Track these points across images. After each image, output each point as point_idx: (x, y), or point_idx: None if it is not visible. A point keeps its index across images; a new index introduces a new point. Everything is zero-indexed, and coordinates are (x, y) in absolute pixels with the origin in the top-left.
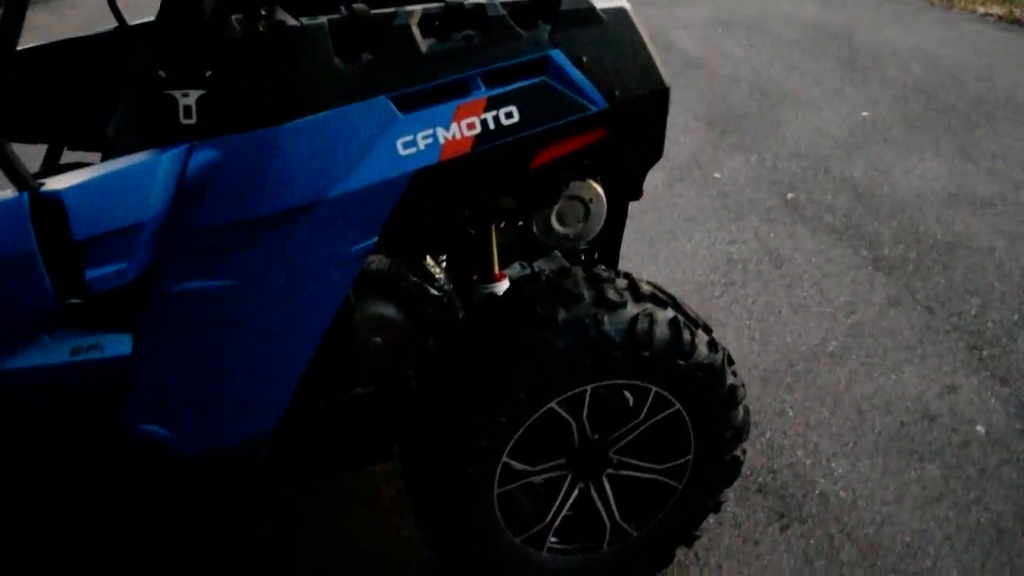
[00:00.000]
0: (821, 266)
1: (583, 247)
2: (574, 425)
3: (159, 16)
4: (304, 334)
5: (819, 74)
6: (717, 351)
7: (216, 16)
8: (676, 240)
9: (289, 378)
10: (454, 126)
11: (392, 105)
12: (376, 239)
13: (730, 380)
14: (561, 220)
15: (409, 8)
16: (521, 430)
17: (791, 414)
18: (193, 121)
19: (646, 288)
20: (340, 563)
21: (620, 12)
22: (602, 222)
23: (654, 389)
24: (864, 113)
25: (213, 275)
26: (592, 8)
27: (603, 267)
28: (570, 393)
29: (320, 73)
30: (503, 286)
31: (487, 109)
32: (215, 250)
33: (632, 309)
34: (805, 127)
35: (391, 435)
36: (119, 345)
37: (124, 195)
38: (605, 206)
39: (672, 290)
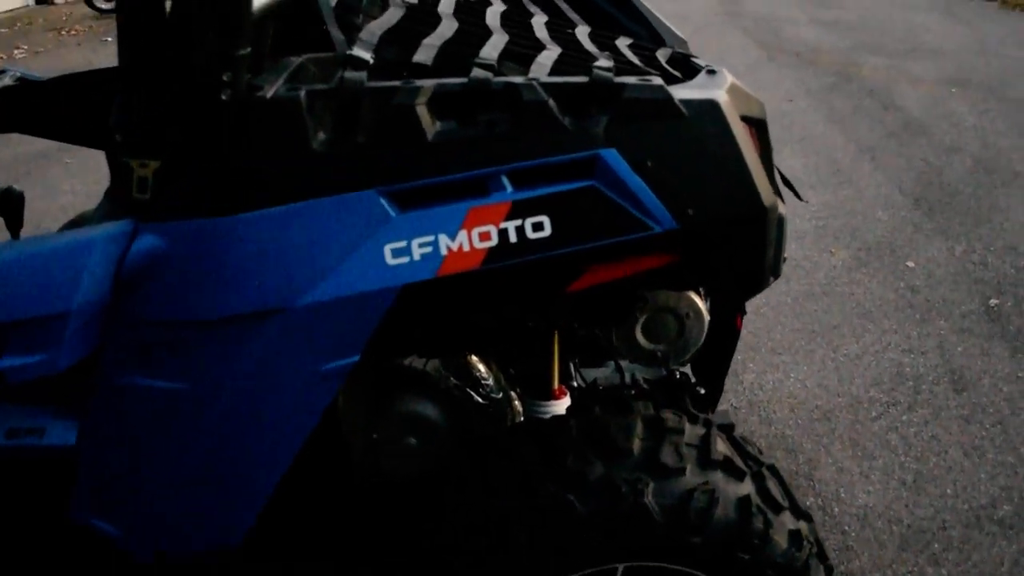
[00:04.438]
0: (1014, 400)
1: (677, 367)
2: None
3: (120, 64)
4: (269, 453)
5: None
6: (802, 547)
7: (180, 75)
8: (842, 339)
9: (255, 495)
10: (462, 234)
11: (384, 202)
12: (357, 358)
13: None
14: (648, 334)
15: (419, 83)
16: None
17: None
18: (146, 197)
19: (721, 450)
20: None
21: (709, 106)
22: (700, 341)
23: None
24: None
25: (160, 374)
26: (668, 98)
27: (674, 411)
28: (592, 570)
29: (291, 156)
30: (562, 405)
31: (510, 217)
32: (162, 347)
33: (691, 479)
34: None
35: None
36: (62, 432)
37: (47, 279)
38: (706, 323)
39: (819, 402)
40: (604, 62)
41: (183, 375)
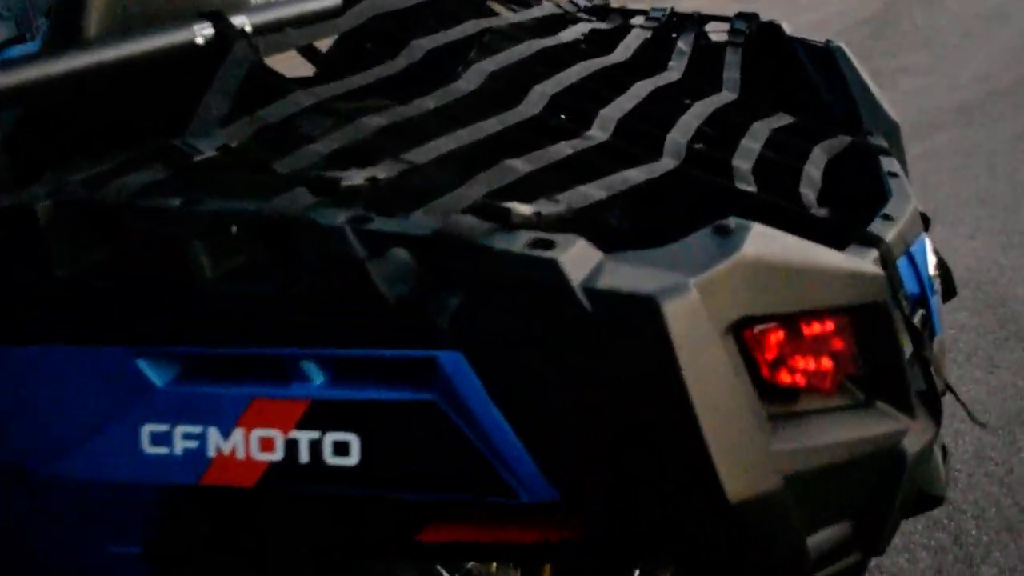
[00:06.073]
0: None
1: None
2: None
3: None
4: None
5: None
6: None
7: None
8: None
9: None
10: (238, 434)
11: (142, 365)
12: (139, 549)
13: None
14: None
15: (202, 206)
16: None
17: None
18: None
19: None
20: None
21: (637, 305)
22: None
23: None
24: None
25: None
26: (558, 281)
27: None
28: None
29: (32, 283)
30: None
31: (305, 424)
32: None
33: None
34: None
35: None
36: None
37: None
38: None
39: None
40: (661, 163)
41: None
